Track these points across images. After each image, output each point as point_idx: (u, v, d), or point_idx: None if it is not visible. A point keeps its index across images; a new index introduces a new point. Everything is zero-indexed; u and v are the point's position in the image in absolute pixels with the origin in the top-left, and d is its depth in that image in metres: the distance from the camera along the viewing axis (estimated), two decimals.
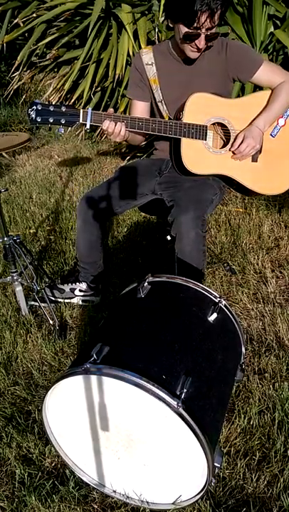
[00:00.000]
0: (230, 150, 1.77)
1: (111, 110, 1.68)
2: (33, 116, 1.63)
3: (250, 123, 1.76)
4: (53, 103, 1.65)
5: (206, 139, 1.75)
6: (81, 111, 1.65)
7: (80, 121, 1.66)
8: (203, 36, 1.60)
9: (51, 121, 1.64)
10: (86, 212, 1.88)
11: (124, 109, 3.39)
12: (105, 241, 2.70)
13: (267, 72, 1.77)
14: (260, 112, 1.77)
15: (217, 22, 1.59)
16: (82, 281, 2.10)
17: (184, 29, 1.60)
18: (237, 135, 1.76)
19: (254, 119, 1.77)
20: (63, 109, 1.64)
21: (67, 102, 3.74)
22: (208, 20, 1.55)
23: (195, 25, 1.56)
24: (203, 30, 1.59)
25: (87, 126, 1.67)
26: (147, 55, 1.82)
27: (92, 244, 1.97)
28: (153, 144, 2.09)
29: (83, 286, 2.10)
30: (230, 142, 1.77)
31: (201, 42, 1.62)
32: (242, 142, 1.73)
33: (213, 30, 1.61)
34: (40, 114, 1.64)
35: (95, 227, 1.92)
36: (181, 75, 1.81)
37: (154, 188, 1.92)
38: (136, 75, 1.87)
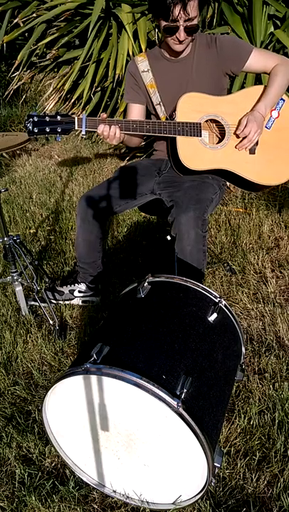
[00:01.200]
0: (234, 134, 1.78)
1: (104, 115, 1.71)
2: (30, 127, 1.67)
3: (252, 109, 1.78)
4: (48, 113, 1.69)
5: (200, 136, 1.76)
6: (76, 118, 1.68)
7: (76, 127, 1.69)
8: (182, 28, 1.64)
9: (48, 130, 1.68)
10: (85, 211, 1.89)
11: (124, 109, 3.39)
12: (105, 241, 2.70)
13: (259, 59, 1.78)
14: (260, 98, 1.78)
15: (194, 14, 1.62)
16: (81, 282, 2.10)
17: (163, 23, 1.66)
18: (240, 120, 1.76)
19: (255, 105, 1.78)
20: (58, 118, 1.67)
21: (67, 102, 3.77)
22: (182, 12, 1.59)
23: (171, 18, 1.61)
24: (181, 22, 1.63)
25: (83, 132, 1.70)
26: (143, 63, 1.86)
27: (91, 244, 1.97)
28: (152, 145, 2.10)
29: (82, 287, 2.10)
30: (227, 137, 1.78)
31: (180, 34, 1.66)
32: (246, 126, 1.73)
33: (194, 22, 1.65)
34: (36, 125, 1.67)
35: (94, 226, 1.92)
36: (175, 75, 1.83)
37: (154, 188, 1.92)
38: (130, 80, 1.91)
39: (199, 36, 1.79)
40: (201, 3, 1.64)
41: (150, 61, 1.85)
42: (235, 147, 1.79)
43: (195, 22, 1.65)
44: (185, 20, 1.62)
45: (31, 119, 1.66)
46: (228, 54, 1.77)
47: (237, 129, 1.77)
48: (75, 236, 2.01)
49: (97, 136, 4.42)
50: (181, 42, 1.69)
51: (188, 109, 1.75)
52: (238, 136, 1.77)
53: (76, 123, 1.69)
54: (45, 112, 1.70)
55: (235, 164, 1.80)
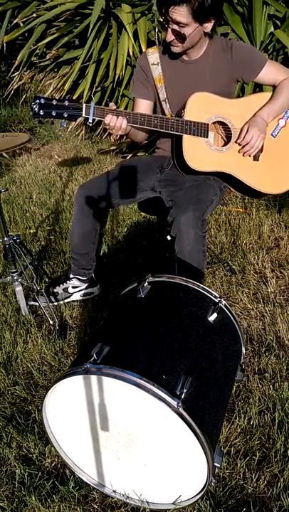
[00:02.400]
0: (236, 142, 1.77)
1: (112, 105, 1.69)
2: (36, 109, 1.63)
3: (254, 115, 1.77)
4: (56, 97, 1.66)
5: (207, 137, 1.76)
6: (84, 105, 1.65)
7: (83, 115, 1.66)
8: (169, 30, 1.63)
9: (54, 114, 1.64)
10: (83, 200, 1.87)
11: (124, 109, 3.38)
12: (105, 240, 2.70)
13: (270, 71, 1.78)
14: (265, 105, 1.78)
15: (182, 20, 1.57)
16: (72, 277, 2.08)
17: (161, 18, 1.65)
18: (242, 128, 1.76)
19: (257, 111, 1.77)
20: (66, 103, 1.64)
21: None
22: (166, 15, 1.58)
23: (161, 14, 1.61)
24: (170, 24, 1.62)
25: (90, 120, 1.66)
26: (153, 55, 1.83)
27: (86, 235, 1.96)
28: (154, 143, 2.09)
29: (75, 282, 2.09)
30: (232, 140, 1.78)
31: (167, 35, 1.65)
32: (247, 132, 1.73)
33: (183, 29, 1.60)
34: (43, 108, 1.64)
35: (90, 216, 1.90)
36: (185, 74, 1.82)
37: (154, 184, 1.92)
38: (141, 74, 1.88)
39: (215, 40, 1.77)
40: (198, 13, 1.56)
41: (161, 55, 1.82)
42: (239, 152, 1.78)
43: (184, 30, 1.60)
44: (173, 23, 1.60)
45: (38, 101, 1.62)
46: (242, 62, 1.76)
47: (238, 136, 1.76)
48: (71, 225, 1.99)
49: (98, 134, 4.43)
50: (169, 42, 1.67)
51: (197, 109, 1.74)
52: (240, 144, 1.77)
53: (84, 110, 1.65)
54: (52, 95, 1.67)
55: (238, 169, 1.80)
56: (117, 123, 1.68)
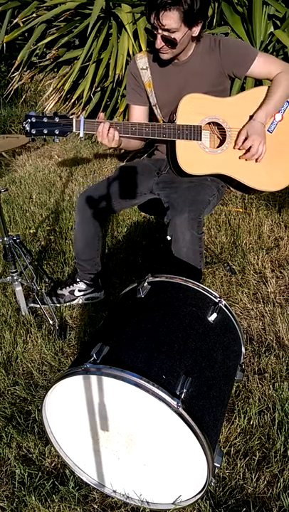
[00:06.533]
0: (234, 148, 1.75)
1: (101, 115, 1.69)
2: (28, 128, 1.65)
3: (252, 116, 1.74)
4: (47, 114, 1.66)
5: (200, 140, 1.74)
6: (74, 120, 1.66)
7: (74, 130, 1.67)
8: (158, 36, 1.61)
9: (46, 132, 1.66)
10: (84, 209, 1.88)
11: (124, 109, 3.39)
12: (105, 241, 2.70)
13: (262, 65, 1.74)
14: (260, 105, 1.75)
15: (172, 25, 1.56)
16: (79, 280, 2.09)
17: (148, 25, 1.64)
18: (239, 132, 1.74)
19: (255, 113, 1.74)
20: (57, 119, 1.65)
21: (67, 102, 3.77)
22: (156, 21, 1.56)
23: (150, 21, 1.59)
24: (159, 30, 1.59)
25: (81, 135, 1.68)
26: (142, 60, 1.82)
27: (89, 242, 1.97)
28: (153, 145, 2.09)
29: (82, 285, 2.09)
30: (227, 140, 1.76)
31: (157, 41, 1.62)
32: (246, 140, 1.71)
33: (174, 35, 1.59)
34: (34, 127, 1.65)
35: (92, 224, 1.91)
36: (174, 77, 1.80)
37: (152, 187, 1.92)
38: (132, 80, 1.88)
39: (202, 38, 1.74)
40: (188, 17, 1.55)
41: (150, 59, 1.81)
42: (240, 158, 1.76)
43: (175, 35, 1.59)
44: (162, 30, 1.58)
45: (29, 120, 1.63)
46: (230, 58, 1.73)
47: (236, 142, 1.74)
48: (74, 232, 2.00)
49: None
50: (159, 49, 1.65)
51: (189, 111, 1.73)
52: (239, 149, 1.75)
53: (74, 125, 1.67)
54: (43, 113, 1.68)
55: (235, 169, 1.78)
56: (109, 134, 1.68)
